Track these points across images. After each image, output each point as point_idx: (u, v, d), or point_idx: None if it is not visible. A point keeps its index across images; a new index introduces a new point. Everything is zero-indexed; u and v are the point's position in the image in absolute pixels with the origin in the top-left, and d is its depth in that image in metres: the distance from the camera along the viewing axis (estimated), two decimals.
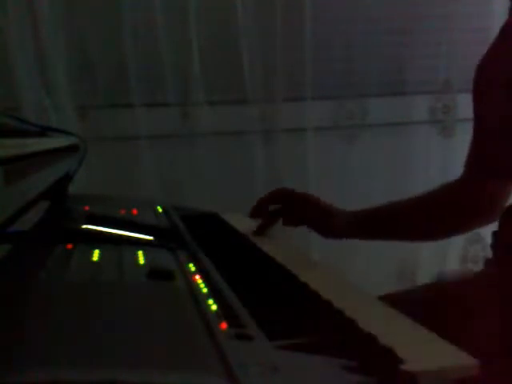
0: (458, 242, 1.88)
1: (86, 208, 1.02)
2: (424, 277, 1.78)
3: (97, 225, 0.83)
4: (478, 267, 1.77)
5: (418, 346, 0.52)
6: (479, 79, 0.98)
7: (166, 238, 0.86)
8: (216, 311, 0.55)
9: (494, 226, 0.96)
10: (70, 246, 0.73)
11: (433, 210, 1.06)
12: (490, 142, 0.97)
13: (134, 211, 1.07)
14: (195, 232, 0.96)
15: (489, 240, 0.98)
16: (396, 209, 1.08)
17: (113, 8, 1.63)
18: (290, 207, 1.11)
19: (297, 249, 1.02)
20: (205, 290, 0.62)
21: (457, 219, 1.06)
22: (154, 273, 0.63)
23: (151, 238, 0.83)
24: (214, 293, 0.61)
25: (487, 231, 1.01)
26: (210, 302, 0.57)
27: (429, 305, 0.88)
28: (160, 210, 1.17)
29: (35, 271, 0.61)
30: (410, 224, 1.08)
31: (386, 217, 1.09)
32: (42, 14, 1.57)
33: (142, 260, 0.71)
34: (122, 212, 1.05)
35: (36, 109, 1.58)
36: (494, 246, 0.96)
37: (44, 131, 1.06)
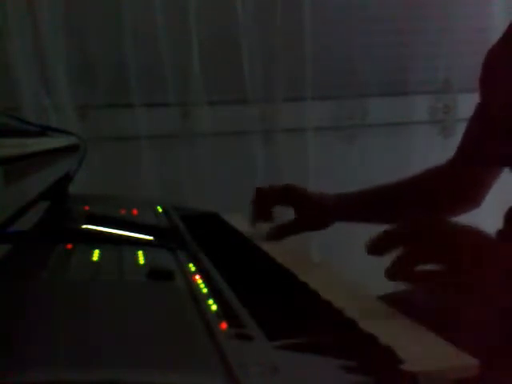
0: None
1: (86, 208, 1.02)
2: None
3: (97, 225, 0.83)
4: None
5: (418, 346, 0.52)
6: (487, 68, 0.98)
7: (166, 238, 0.86)
8: (216, 311, 0.55)
9: (495, 225, 0.97)
10: (69, 246, 0.73)
11: (417, 193, 1.08)
12: (489, 130, 0.97)
13: (134, 211, 1.07)
14: (195, 232, 0.96)
15: None
16: (383, 192, 1.09)
17: (113, 8, 1.63)
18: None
19: (297, 249, 1.02)
20: (205, 290, 0.62)
21: (441, 203, 1.07)
22: (154, 273, 0.63)
23: (151, 238, 0.83)
24: (214, 293, 0.61)
25: (487, 230, 1.01)
26: (210, 302, 0.57)
27: (429, 305, 0.88)
28: (160, 210, 1.17)
29: (35, 271, 0.61)
30: (396, 207, 1.09)
31: (372, 200, 1.10)
32: (42, 14, 1.57)
33: (142, 260, 0.71)
34: (122, 212, 1.05)
35: (36, 109, 1.58)
36: None
37: (44, 131, 1.06)
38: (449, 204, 1.07)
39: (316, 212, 1.09)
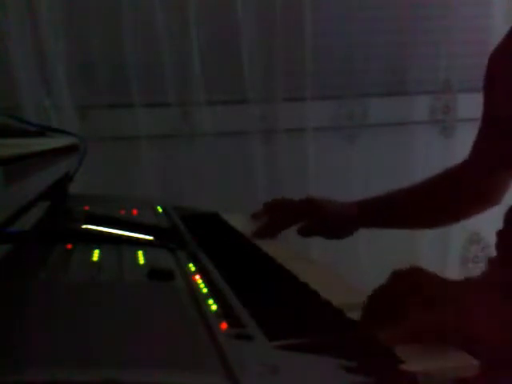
0: (458, 242, 1.88)
1: (86, 208, 1.02)
2: None
3: (97, 225, 0.83)
4: (478, 267, 1.77)
5: (418, 346, 0.52)
6: (492, 69, 0.98)
7: (165, 237, 0.86)
8: (216, 311, 0.55)
9: (497, 226, 0.97)
10: (69, 246, 0.73)
11: (434, 195, 1.08)
12: (497, 132, 0.97)
13: (134, 211, 1.07)
14: (195, 232, 0.96)
15: (489, 240, 0.98)
16: (398, 196, 1.09)
17: (113, 8, 1.63)
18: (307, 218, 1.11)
19: (297, 249, 1.02)
20: (205, 290, 0.62)
21: (457, 204, 1.07)
22: (154, 273, 0.63)
23: (151, 237, 0.83)
24: (214, 293, 0.61)
25: (487, 231, 1.02)
26: (210, 301, 0.57)
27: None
28: (160, 210, 1.17)
29: (35, 271, 0.61)
30: (412, 211, 1.09)
31: (388, 205, 1.10)
32: (42, 14, 1.57)
33: (142, 260, 0.71)
34: (122, 212, 1.05)
35: (36, 109, 1.58)
36: (497, 246, 0.97)
37: (44, 131, 1.06)
38: (469, 204, 1.08)
39: (338, 223, 1.10)
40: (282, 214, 1.10)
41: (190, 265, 0.73)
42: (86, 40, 1.63)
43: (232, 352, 0.43)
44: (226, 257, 0.84)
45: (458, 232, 1.82)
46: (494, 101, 0.98)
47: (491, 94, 0.99)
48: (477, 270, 1.76)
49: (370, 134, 1.81)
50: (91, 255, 0.70)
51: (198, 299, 0.57)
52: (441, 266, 1.84)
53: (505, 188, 1.04)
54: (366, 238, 1.68)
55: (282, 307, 0.61)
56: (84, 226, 0.83)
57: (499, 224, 0.96)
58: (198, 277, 0.67)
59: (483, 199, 1.07)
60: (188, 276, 0.67)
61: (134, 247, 0.77)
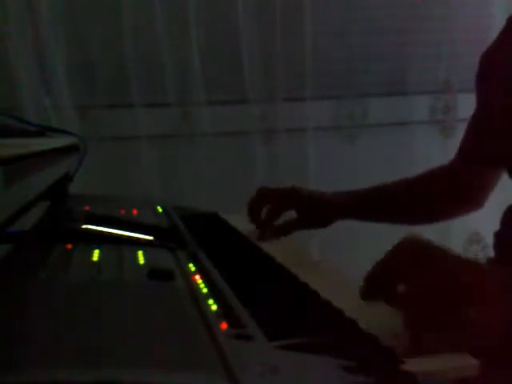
0: (457, 242, 1.88)
1: (86, 208, 1.02)
2: None
3: (97, 225, 0.83)
4: None
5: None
6: (484, 66, 0.98)
7: (166, 237, 0.86)
8: (216, 311, 0.55)
9: (495, 227, 0.97)
10: (69, 246, 0.73)
11: (420, 194, 1.08)
12: (488, 130, 0.97)
13: (134, 211, 1.07)
14: (195, 232, 0.96)
15: (489, 240, 0.98)
16: (385, 190, 1.10)
17: (113, 8, 1.63)
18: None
19: (297, 249, 1.02)
20: (205, 290, 0.62)
21: (443, 204, 1.07)
22: (154, 273, 0.63)
23: (151, 238, 0.83)
24: (214, 293, 0.61)
25: (487, 231, 1.02)
26: (210, 301, 0.57)
27: None
28: (160, 210, 1.17)
29: (35, 271, 0.61)
30: (398, 206, 1.10)
31: (375, 198, 1.10)
32: (42, 14, 1.57)
33: (142, 260, 0.71)
34: (122, 212, 1.05)
35: (36, 109, 1.58)
36: (495, 247, 0.97)
37: (44, 131, 1.06)
38: (451, 205, 1.08)
39: (318, 212, 1.09)
40: (269, 205, 1.09)
41: (190, 265, 0.73)
42: (86, 40, 1.63)
43: (232, 352, 0.43)
44: (226, 257, 0.84)
45: (458, 232, 1.82)
46: (486, 99, 0.98)
47: (483, 92, 0.99)
48: None
49: (370, 134, 1.81)
50: (91, 255, 0.70)
51: (198, 299, 0.57)
52: None
53: (490, 187, 1.04)
54: (365, 236, 1.69)
55: (282, 307, 0.61)
56: (84, 226, 0.83)
57: (499, 224, 0.96)
58: (198, 277, 0.67)
59: (465, 200, 1.06)
60: (188, 276, 0.67)
61: (134, 247, 0.76)
